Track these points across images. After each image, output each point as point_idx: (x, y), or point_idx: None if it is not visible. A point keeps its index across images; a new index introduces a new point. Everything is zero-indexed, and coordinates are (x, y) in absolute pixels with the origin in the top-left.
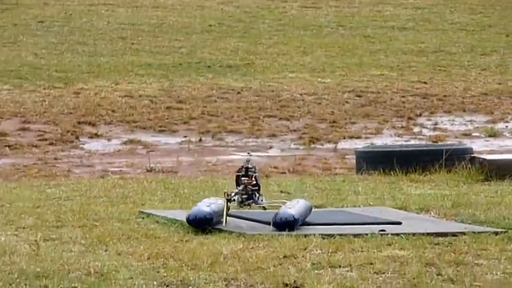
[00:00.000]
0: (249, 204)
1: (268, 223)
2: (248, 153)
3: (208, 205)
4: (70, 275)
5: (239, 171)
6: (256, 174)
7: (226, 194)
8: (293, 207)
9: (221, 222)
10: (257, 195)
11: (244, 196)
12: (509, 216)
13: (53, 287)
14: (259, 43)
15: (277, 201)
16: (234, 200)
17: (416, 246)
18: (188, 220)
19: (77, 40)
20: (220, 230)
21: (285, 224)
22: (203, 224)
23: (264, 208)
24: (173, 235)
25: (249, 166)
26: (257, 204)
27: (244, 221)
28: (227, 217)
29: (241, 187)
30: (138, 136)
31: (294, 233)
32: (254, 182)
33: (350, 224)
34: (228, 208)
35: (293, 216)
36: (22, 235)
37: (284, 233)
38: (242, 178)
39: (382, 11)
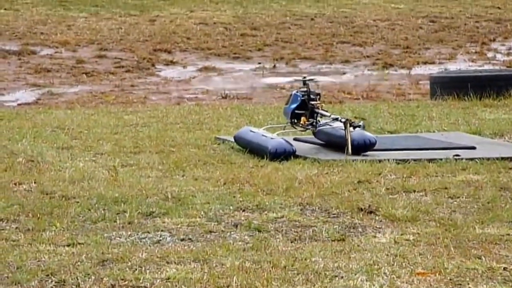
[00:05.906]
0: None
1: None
2: (304, 77)
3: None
4: (147, 200)
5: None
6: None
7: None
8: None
9: None
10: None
11: (311, 119)
12: None
13: (131, 211)
14: None
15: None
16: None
17: (491, 171)
18: (275, 153)
19: None
20: (296, 156)
21: (368, 146)
22: (287, 156)
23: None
24: (248, 161)
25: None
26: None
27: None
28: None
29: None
30: (213, 63)
31: (368, 158)
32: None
33: (424, 149)
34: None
35: (375, 138)
36: (101, 161)
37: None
38: (311, 103)
39: None
